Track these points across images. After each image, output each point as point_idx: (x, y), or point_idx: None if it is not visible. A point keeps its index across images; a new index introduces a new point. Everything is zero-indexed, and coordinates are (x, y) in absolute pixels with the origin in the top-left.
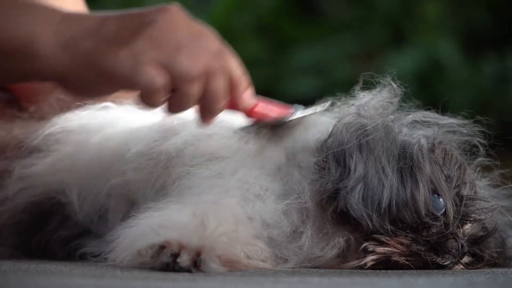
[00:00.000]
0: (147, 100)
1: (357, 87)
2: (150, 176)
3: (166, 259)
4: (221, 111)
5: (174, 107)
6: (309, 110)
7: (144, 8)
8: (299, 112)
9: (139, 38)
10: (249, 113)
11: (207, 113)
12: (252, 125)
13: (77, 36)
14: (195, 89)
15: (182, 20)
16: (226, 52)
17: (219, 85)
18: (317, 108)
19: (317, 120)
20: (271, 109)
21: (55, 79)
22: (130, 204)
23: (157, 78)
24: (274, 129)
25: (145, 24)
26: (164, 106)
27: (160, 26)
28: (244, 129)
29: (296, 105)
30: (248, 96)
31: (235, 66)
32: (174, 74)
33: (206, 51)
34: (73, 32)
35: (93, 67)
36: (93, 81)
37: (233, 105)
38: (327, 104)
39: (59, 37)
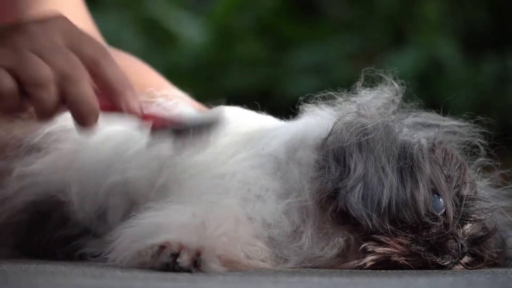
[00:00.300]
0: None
1: (359, 84)
2: (151, 175)
3: (166, 259)
4: (95, 115)
5: (36, 113)
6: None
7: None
8: (188, 114)
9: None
10: (142, 117)
11: (77, 118)
12: (153, 131)
13: None
14: (48, 95)
15: (56, 27)
16: (105, 60)
17: (81, 91)
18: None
19: (318, 115)
20: (158, 111)
21: None
22: (129, 204)
23: (3, 80)
24: (181, 134)
25: (14, 32)
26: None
27: (27, 33)
28: (148, 135)
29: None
30: (131, 103)
31: (113, 73)
32: (21, 75)
33: (67, 56)
34: None
35: None
36: None
37: (117, 109)
38: (219, 112)
39: None
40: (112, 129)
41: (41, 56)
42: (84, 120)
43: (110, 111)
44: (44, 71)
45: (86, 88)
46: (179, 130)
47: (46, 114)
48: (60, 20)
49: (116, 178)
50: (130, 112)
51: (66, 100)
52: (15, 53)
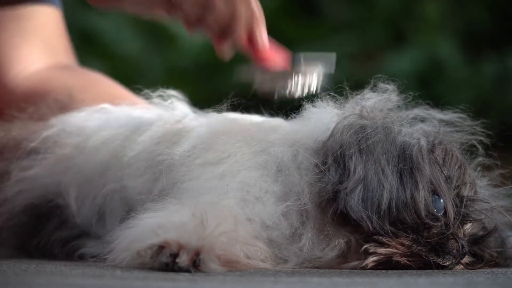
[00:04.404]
0: (183, 12)
1: (366, 87)
2: (148, 183)
3: (165, 259)
4: (237, 39)
5: (206, 25)
6: (312, 66)
7: None
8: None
9: None
10: (260, 56)
11: (224, 36)
12: (258, 69)
13: None
14: (225, 9)
15: None
16: None
17: (244, 11)
18: (319, 65)
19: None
20: (278, 57)
21: None
22: (128, 207)
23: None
24: (277, 78)
25: None
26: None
27: None
28: (250, 70)
29: (299, 54)
30: (265, 36)
31: (256, 2)
32: None
33: None
34: None
35: None
36: None
37: (249, 43)
38: (332, 58)
39: None
40: (109, 133)
41: None
42: (228, 38)
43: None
44: None
45: (248, 11)
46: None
47: (216, 28)
48: None
49: (113, 185)
50: (262, 42)
51: (230, 17)
52: None
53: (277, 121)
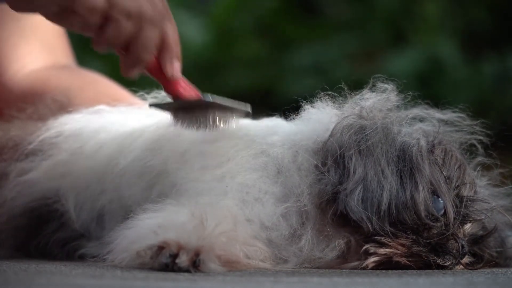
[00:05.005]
0: (83, 20)
1: (365, 87)
2: (145, 190)
3: (165, 259)
4: (144, 66)
5: (105, 39)
6: (227, 101)
7: None
8: (217, 98)
9: None
10: (171, 87)
11: (131, 62)
12: (172, 102)
13: None
14: (128, 25)
15: None
16: (169, 15)
17: (151, 34)
18: (235, 103)
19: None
20: (190, 90)
21: None
22: (126, 210)
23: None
24: (192, 109)
25: None
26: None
27: None
28: (161, 105)
29: (208, 95)
30: (176, 66)
31: (172, 30)
32: (112, 2)
33: (149, 2)
34: None
35: None
36: None
37: (159, 72)
38: (247, 106)
39: None
40: (105, 137)
41: None
42: (135, 66)
43: (152, 68)
44: (136, 4)
45: (156, 36)
46: (203, 105)
47: (115, 41)
48: None
49: (111, 194)
50: (170, 80)
51: (133, 40)
52: None
53: (277, 122)
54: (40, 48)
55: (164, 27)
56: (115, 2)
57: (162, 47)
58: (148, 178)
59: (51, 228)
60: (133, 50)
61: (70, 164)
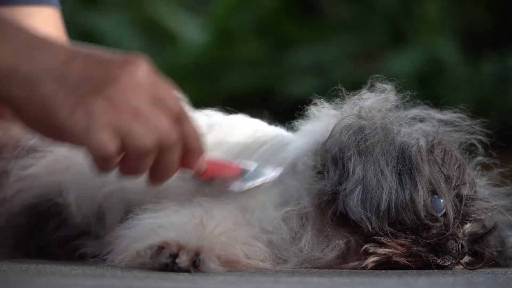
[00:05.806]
0: (98, 164)
1: (364, 87)
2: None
3: (165, 259)
4: (171, 177)
5: (124, 173)
6: (259, 177)
7: (113, 54)
8: (248, 178)
9: (98, 97)
10: (199, 175)
11: (156, 180)
12: (200, 186)
13: (38, 74)
14: (147, 161)
15: (146, 78)
16: (185, 117)
17: (173, 157)
18: (269, 174)
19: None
20: (221, 168)
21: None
22: (128, 207)
23: (108, 144)
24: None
25: (108, 81)
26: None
27: (122, 86)
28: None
29: (245, 163)
30: (201, 161)
31: (193, 131)
32: (127, 143)
33: (164, 121)
34: (34, 67)
35: (46, 114)
36: (42, 125)
37: (185, 167)
38: (279, 170)
39: (17, 68)
40: None
41: (140, 117)
42: (162, 182)
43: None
44: (148, 141)
45: (178, 155)
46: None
47: (134, 175)
48: (143, 67)
49: (112, 186)
50: (198, 171)
51: (155, 165)
52: (119, 113)
53: (274, 129)
54: None
55: (184, 138)
56: (128, 142)
57: (186, 152)
58: None
59: (51, 226)
60: (157, 172)
61: (71, 158)
